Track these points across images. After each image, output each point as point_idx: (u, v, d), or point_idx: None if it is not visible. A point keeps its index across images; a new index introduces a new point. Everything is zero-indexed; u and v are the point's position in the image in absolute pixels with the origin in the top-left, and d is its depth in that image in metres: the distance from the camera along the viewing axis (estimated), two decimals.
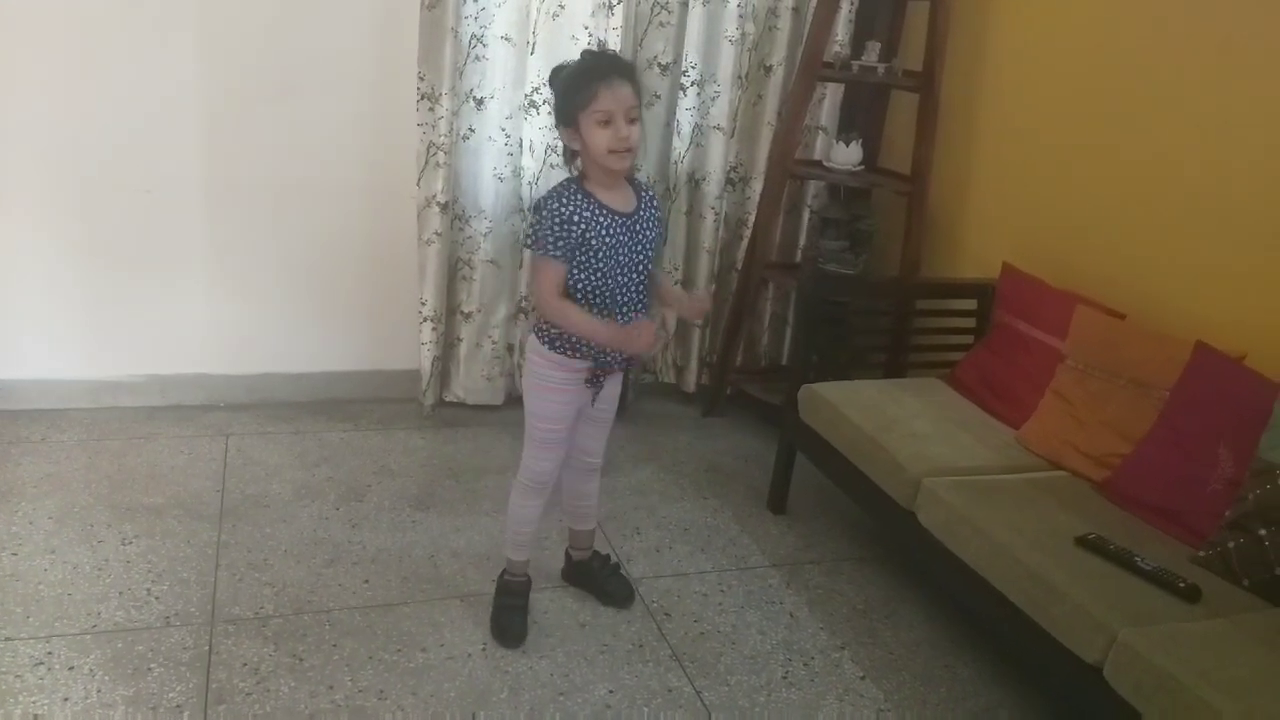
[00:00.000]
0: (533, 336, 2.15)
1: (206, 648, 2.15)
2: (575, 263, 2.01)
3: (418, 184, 3.11)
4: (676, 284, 3.51)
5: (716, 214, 3.47)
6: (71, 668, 2.05)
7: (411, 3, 2.94)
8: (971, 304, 3.06)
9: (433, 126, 3.04)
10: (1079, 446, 2.43)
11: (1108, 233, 2.72)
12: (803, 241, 3.68)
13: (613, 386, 2.23)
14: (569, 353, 2.09)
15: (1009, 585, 2.05)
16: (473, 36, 3.05)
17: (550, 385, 2.13)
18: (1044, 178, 2.94)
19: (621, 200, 2.05)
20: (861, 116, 3.55)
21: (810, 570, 2.70)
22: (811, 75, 3.23)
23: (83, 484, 2.74)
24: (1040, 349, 2.69)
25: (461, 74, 3.06)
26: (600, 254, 2.00)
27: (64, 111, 2.88)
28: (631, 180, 2.11)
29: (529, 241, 2.05)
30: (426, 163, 3.08)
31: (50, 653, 2.08)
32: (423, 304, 3.22)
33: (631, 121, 1.95)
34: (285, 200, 3.16)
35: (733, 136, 3.42)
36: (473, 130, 3.16)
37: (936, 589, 2.61)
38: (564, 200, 1.98)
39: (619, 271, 2.03)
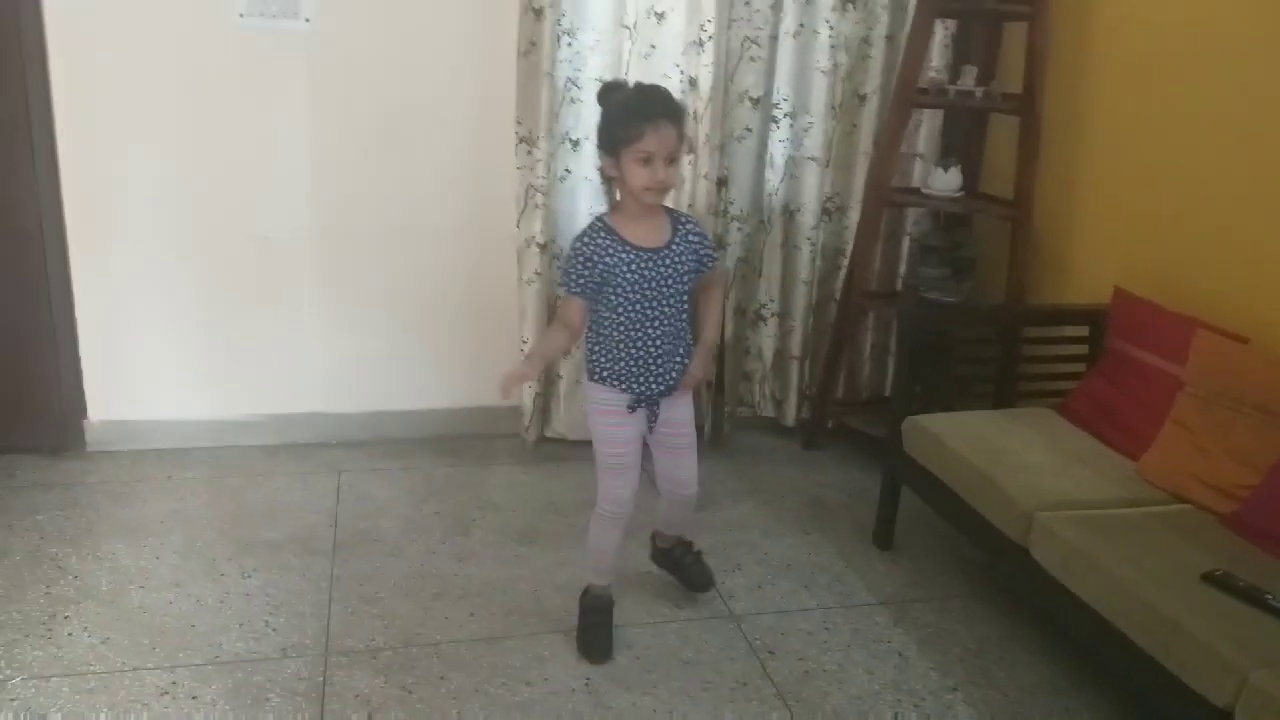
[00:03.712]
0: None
1: (321, 679, 2.22)
2: (604, 299, 2.13)
3: (517, 225, 3.19)
4: (769, 317, 3.50)
5: (813, 245, 3.45)
6: (194, 697, 2.13)
7: (508, 49, 3.03)
8: (1083, 330, 2.96)
9: (531, 169, 3.12)
10: (1202, 478, 2.31)
11: (1225, 252, 2.60)
12: (903, 270, 3.63)
13: (674, 409, 2.26)
14: (604, 381, 2.19)
15: (1131, 624, 1.95)
16: (567, 80, 3.13)
17: (600, 409, 2.22)
18: (1154, 197, 2.83)
19: (652, 234, 2.12)
20: (960, 142, 3.49)
21: (919, 608, 2.63)
22: (907, 102, 3.19)
23: (205, 520, 2.87)
24: (1158, 376, 2.58)
25: (557, 117, 3.14)
26: (625, 290, 2.10)
27: (184, 164, 3.06)
28: (671, 211, 2.19)
29: (559, 280, 2.15)
30: (525, 204, 3.16)
31: (175, 682, 2.18)
32: (524, 342, 3.28)
33: (671, 162, 2.02)
34: (392, 244, 3.28)
35: (828, 166, 3.40)
36: (569, 171, 3.22)
37: (1053, 628, 2.50)
38: (587, 240, 2.10)
39: (648, 305, 2.12)
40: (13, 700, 2.09)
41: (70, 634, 2.32)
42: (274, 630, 2.38)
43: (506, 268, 3.26)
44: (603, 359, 2.19)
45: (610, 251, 2.09)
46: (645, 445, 2.32)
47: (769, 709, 2.20)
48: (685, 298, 2.18)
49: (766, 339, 3.54)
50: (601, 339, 2.19)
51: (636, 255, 2.09)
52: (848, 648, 2.44)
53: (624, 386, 2.18)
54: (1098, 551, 2.09)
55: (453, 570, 2.68)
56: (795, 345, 3.56)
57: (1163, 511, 2.28)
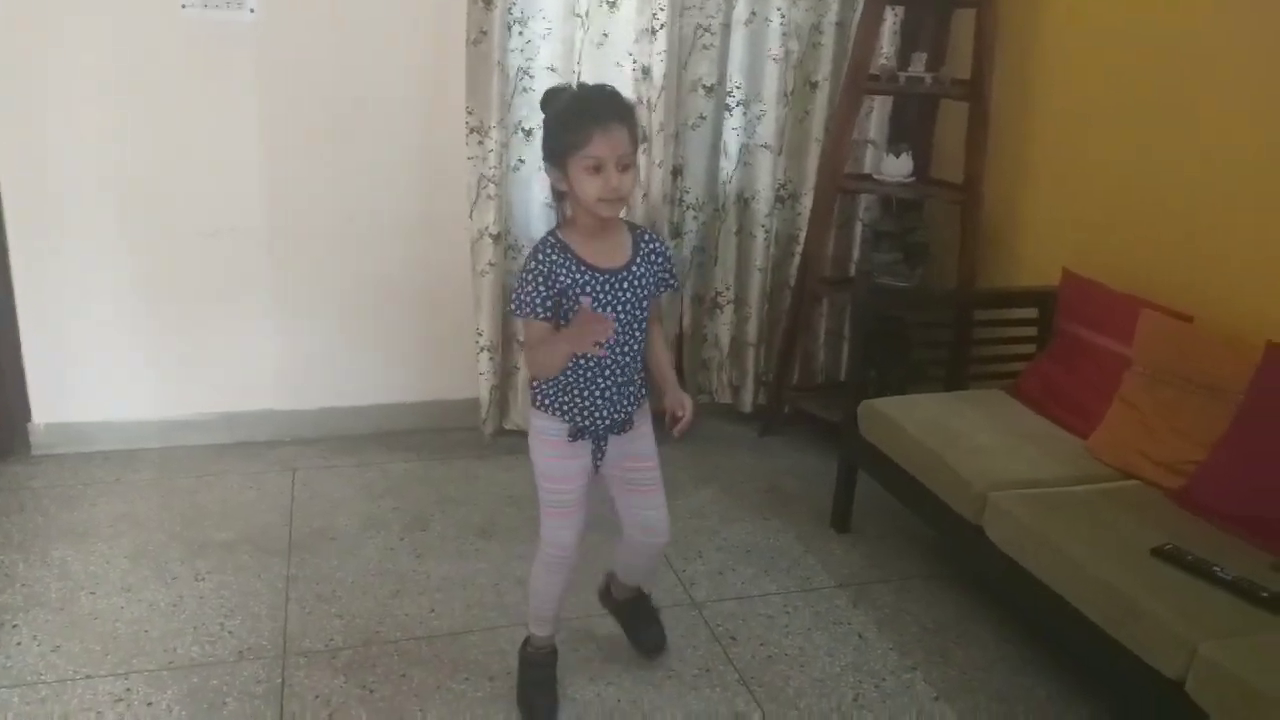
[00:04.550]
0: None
1: (279, 680, 2.18)
2: (559, 323, 1.89)
3: (470, 216, 3.16)
4: (725, 305, 3.50)
5: (767, 231, 3.46)
6: (150, 703, 2.09)
7: (457, 39, 3.00)
8: (1032, 313, 3.01)
9: (483, 159, 3.09)
10: (1150, 455, 2.36)
11: (1170, 234, 2.66)
12: (856, 256, 3.65)
13: (634, 442, 2.03)
14: (546, 409, 1.97)
15: (1084, 600, 1.99)
16: (519, 69, 3.10)
17: (541, 438, 2.00)
18: (1101, 180, 2.88)
19: (610, 253, 1.89)
20: (911, 128, 3.52)
21: (877, 589, 2.66)
22: (858, 88, 3.21)
23: (156, 522, 2.81)
24: (1106, 356, 2.63)
25: (509, 106, 3.11)
26: (576, 314, 1.86)
27: (128, 157, 2.99)
28: (632, 227, 1.96)
29: (513, 306, 1.90)
30: (478, 195, 3.13)
31: (129, 689, 2.13)
32: (479, 334, 3.26)
33: (625, 169, 1.79)
34: (344, 238, 3.23)
35: (781, 154, 3.41)
36: (522, 161, 3.20)
37: (1009, 606, 2.55)
38: (540, 258, 1.86)
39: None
40: None
41: (19, 643, 2.26)
42: (230, 633, 2.34)
43: (460, 259, 3.23)
44: (547, 384, 1.96)
45: (568, 271, 1.85)
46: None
47: (732, 694, 2.22)
48: (640, 324, 1.93)
49: (723, 326, 3.55)
50: None
51: (593, 277, 1.86)
52: (808, 631, 2.46)
53: (566, 417, 1.95)
54: (1050, 529, 2.13)
55: (411, 566, 2.66)
56: (751, 332, 3.57)
57: (1112, 488, 2.32)
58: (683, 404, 2.00)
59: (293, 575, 2.59)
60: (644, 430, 2.05)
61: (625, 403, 1.98)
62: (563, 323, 1.88)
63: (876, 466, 2.74)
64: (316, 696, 2.14)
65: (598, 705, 2.16)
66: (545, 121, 1.87)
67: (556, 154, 1.82)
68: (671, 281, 1.99)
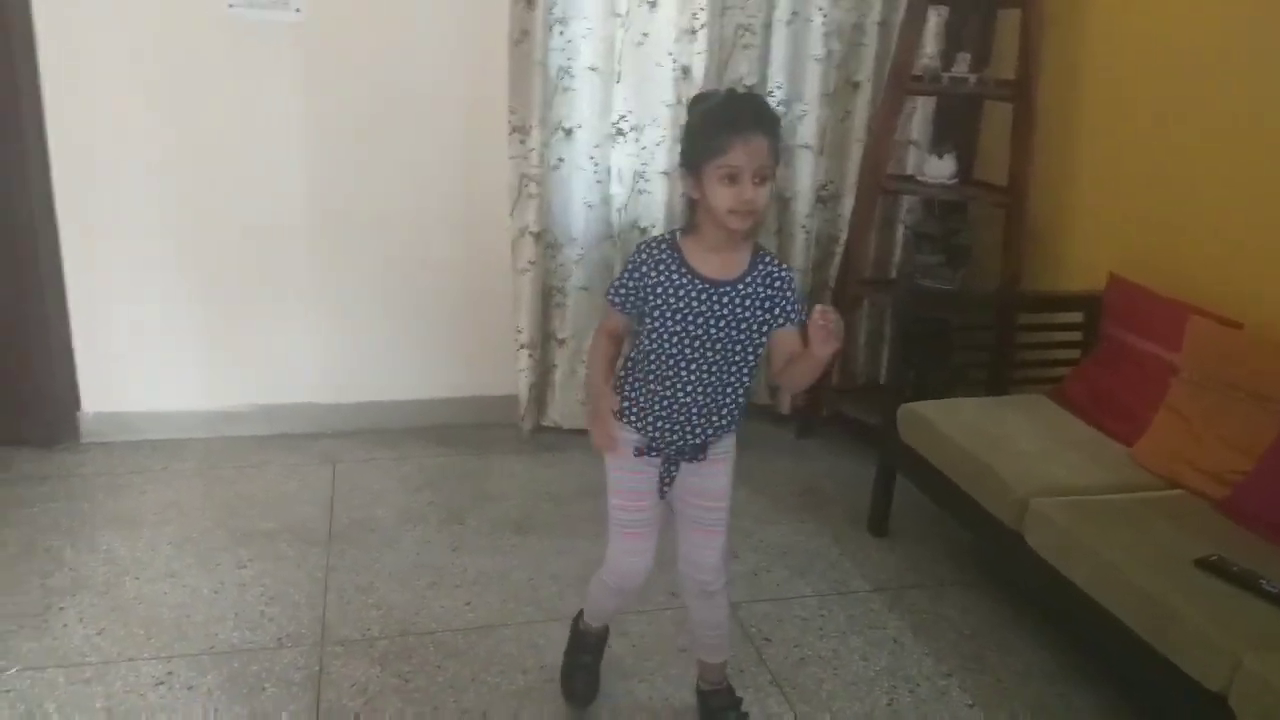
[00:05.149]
0: None
1: (317, 668, 2.22)
2: (646, 325, 1.82)
3: (511, 214, 3.18)
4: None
5: (807, 232, 3.45)
6: (190, 687, 2.13)
7: (500, 39, 3.02)
8: (1077, 317, 2.96)
9: (524, 158, 3.11)
10: (1196, 463, 2.32)
11: (1219, 239, 2.60)
12: (898, 257, 3.63)
13: (707, 479, 1.92)
14: (622, 415, 1.89)
15: (1125, 609, 1.96)
16: (560, 68, 3.11)
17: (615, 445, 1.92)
18: (1149, 183, 2.83)
19: (723, 266, 1.78)
20: (954, 129, 3.49)
21: (914, 594, 2.64)
22: (900, 89, 3.19)
23: (200, 511, 2.86)
24: (1152, 362, 2.59)
25: (550, 105, 3.13)
26: (668, 320, 1.77)
27: (176, 154, 3.04)
28: (758, 247, 1.83)
29: (608, 287, 1.89)
30: (519, 193, 3.15)
31: (170, 673, 2.18)
32: (519, 331, 3.28)
33: (761, 181, 1.69)
34: (385, 234, 3.27)
35: (821, 154, 3.39)
36: (562, 160, 3.21)
37: (1047, 614, 2.51)
38: (644, 251, 1.81)
39: (693, 345, 1.78)
40: (8, 691, 2.09)
41: (65, 625, 2.31)
42: (270, 620, 2.38)
43: (501, 257, 3.25)
44: (627, 390, 1.88)
45: (665, 270, 1.77)
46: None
47: (765, 696, 2.21)
48: (745, 349, 1.80)
49: None
50: (632, 368, 1.88)
51: (693, 283, 1.76)
52: (843, 634, 2.45)
53: (637, 428, 1.87)
54: (1092, 537, 2.09)
55: (448, 560, 2.68)
56: None
57: (1157, 497, 2.28)
58: (825, 313, 1.70)
59: (332, 565, 2.62)
60: (720, 468, 1.93)
61: (704, 429, 1.86)
62: (646, 325, 1.81)
63: (915, 470, 2.71)
64: (353, 685, 2.17)
65: (629, 702, 2.16)
66: (687, 125, 1.81)
67: (692, 160, 1.74)
68: (791, 313, 1.81)
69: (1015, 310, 3.19)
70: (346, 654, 2.27)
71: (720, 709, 2.09)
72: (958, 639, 2.45)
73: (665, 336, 1.79)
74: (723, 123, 1.70)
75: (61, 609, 2.37)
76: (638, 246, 1.85)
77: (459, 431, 3.45)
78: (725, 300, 1.77)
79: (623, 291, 1.82)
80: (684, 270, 1.77)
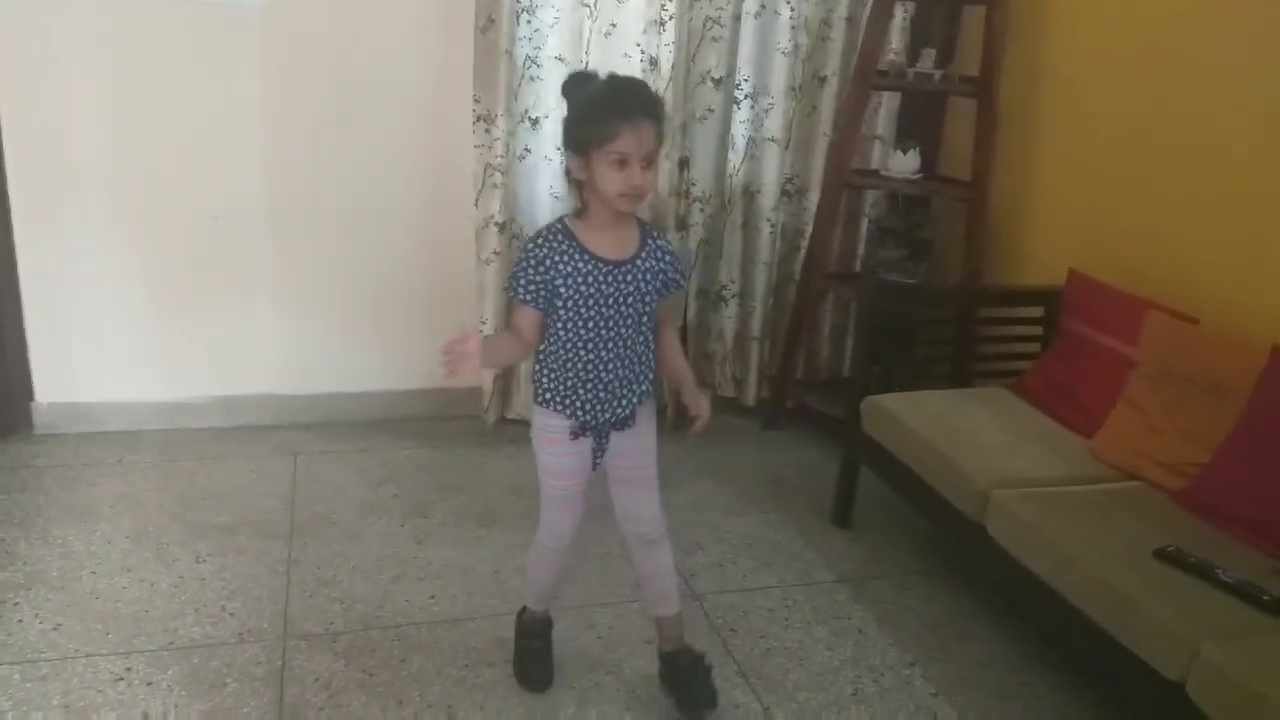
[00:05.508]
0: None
1: (279, 663, 2.19)
2: (555, 313, 1.87)
3: (475, 204, 3.16)
4: (730, 299, 3.50)
5: (773, 225, 3.46)
6: (150, 683, 2.10)
7: (466, 27, 2.99)
8: (1037, 311, 3.00)
9: (489, 148, 3.08)
10: (1154, 456, 2.36)
11: (1178, 235, 2.65)
12: (862, 251, 3.65)
13: (632, 440, 2.00)
14: (549, 405, 1.95)
15: (1084, 599, 1.99)
16: (526, 58, 3.09)
17: (544, 436, 1.98)
18: (1109, 180, 2.88)
19: (617, 245, 1.86)
20: (919, 124, 3.52)
21: (877, 585, 2.66)
22: (866, 84, 3.21)
23: (157, 504, 2.81)
24: (1111, 356, 2.63)
25: (516, 95, 3.10)
26: (577, 305, 1.84)
27: (135, 140, 2.98)
28: (643, 224, 1.94)
29: (507, 284, 1.93)
30: (484, 183, 3.12)
31: (129, 669, 2.14)
32: (483, 322, 3.26)
33: (648, 166, 1.76)
34: (347, 223, 3.22)
35: (788, 148, 3.40)
36: (528, 150, 3.19)
37: (1009, 603, 2.55)
38: (541, 242, 1.85)
39: (603, 325, 1.86)
40: None
41: (21, 620, 2.26)
42: (230, 615, 2.34)
43: (464, 247, 3.22)
44: (548, 380, 1.93)
45: (566, 258, 1.83)
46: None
47: (731, 687, 2.22)
48: (647, 320, 1.92)
49: (727, 320, 3.55)
50: (549, 358, 1.92)
51: (595, 266, 1.83)
52: (808, 625, 2.46)
53: (569, 413, 1.93)
54: (1052, 528, 2.13)
55: (412, 552, 2.66)
56: (755, 326, 3.57)
57: (1115, 489, 2.32)
58: (699, 406, 1.95)
59: (293, 559, 2.59)
60: (646, 429, 2.02)
61: (629, 399, 1.95)
62: (559, 314, 1.86)
63: (879, 462, 2.74)
64: (316, 679, 2.14)
65: (596, 694, 2.16)
66: (570, 108, 1.83)
67: (580, 143, 1.78)
68: (677, 281, 1.96)
69: (977, 304, 3.23)
70: (309, 648, 2.24)
71: (685, 665, 2.15)
72: (921, 629, 2.48)
73: (580, 322, 1.86)
74: (612, 110, 1.75)
75: (16, 604, 2.32)
76: (531, 239, 1.88)
77: (422, 424, 3.42)
78: (628, 278, 1.87)
79: (531, 287, 1.85)
80: (585, 256, 1.84)
